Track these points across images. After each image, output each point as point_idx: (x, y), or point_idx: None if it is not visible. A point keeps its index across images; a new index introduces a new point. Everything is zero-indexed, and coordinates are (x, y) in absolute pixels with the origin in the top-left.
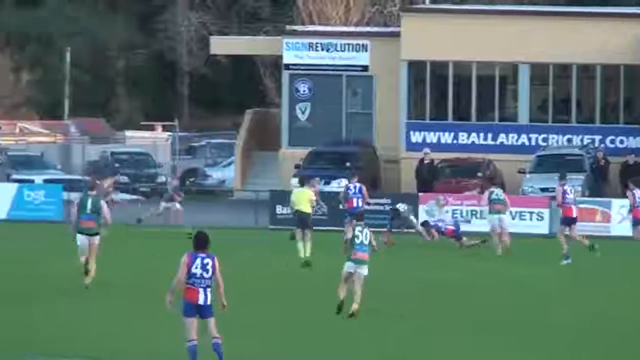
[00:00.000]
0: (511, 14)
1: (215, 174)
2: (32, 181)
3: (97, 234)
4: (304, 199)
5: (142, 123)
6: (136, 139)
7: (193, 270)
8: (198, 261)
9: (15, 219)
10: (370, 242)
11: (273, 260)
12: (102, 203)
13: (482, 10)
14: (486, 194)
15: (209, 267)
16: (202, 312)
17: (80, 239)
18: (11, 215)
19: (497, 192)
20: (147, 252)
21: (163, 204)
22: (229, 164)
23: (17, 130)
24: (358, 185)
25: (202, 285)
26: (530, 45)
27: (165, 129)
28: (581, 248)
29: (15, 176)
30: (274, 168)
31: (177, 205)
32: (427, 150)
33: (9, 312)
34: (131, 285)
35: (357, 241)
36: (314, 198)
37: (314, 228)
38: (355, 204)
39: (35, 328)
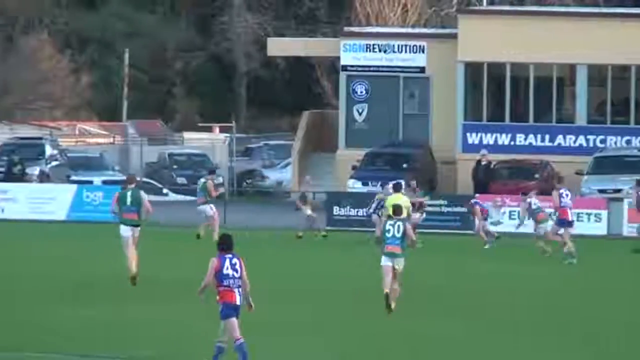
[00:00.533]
0: (569, 15)
1: (272, 176)
2: (90, 182)
3: (138, 225)
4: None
5: (199, 124)
6: (194, 141)
7: (225, 271)
8: (227, 262)
9: (75, 220)
10: (403, 235)
11: (331, 260)
12: (143, 195)
13: (539, 12)
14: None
15: (237, 267)
16: (238, 311)
17: (124, 229)
18: (70, 216)
19: (534, 201)
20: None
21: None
22: (286, 165)
23: (77, 132)
24: (569, 193)
25: (235, 286)
26: (589, 46)
27: (222, 130)
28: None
29: (74, 177)
30: (330, 169)
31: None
32: (484, 151)
33: (72, 312)
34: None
35: (389, 235)
36: (409, 205)
37: (370, 230)
38: (570, 217)
39: (99, 329)
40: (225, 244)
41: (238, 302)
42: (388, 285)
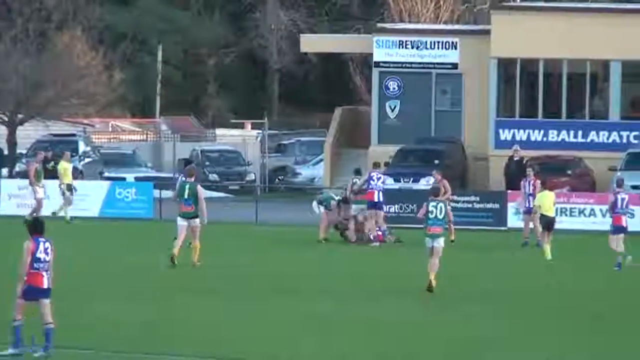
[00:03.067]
0: (602, 11)
1: (305, 172)
2: (123, 179)
3: (196, 216)
4: (549, 201)
5: (232, 121)
6: (226, 137)
7: (38, 255)
8: (41, 246)
9: (107, 217)
10: (445, 216)
11: (363, 258)
12: (199, 189)
13: (572, 8)
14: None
15: (49, 251)
16: (47, 294)
17: (180, 220)
18: (103, 212)
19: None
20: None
21: None
22: (319, 161)
23: (110, 129)
24: (382, 177)
25: (44, 269)
26: (622, 42)
27: (254, 126)
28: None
29: (107, 174)
30: (363, 165)
31: None
32: (516, 147)
33: (106, 309)
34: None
35: (432, 216)
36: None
37: (403, 226)
38: (376, 198)
39: (136, 326)
40: (38, 228)
41: (45, 286)
42: (431, 269)
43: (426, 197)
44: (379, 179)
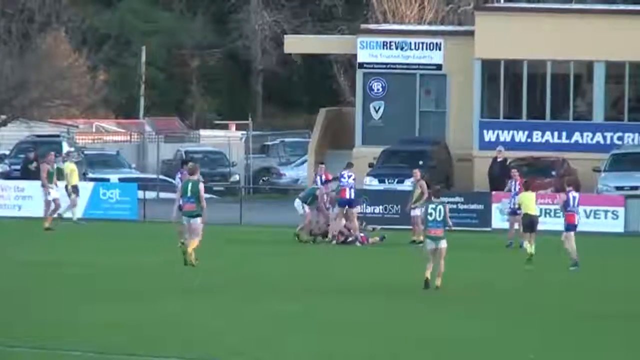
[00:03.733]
0: (586, 12)
1: (289, 173)
2: (107, 180)
3: (197, 215)
4: (530, 201)
5: (216, 122)
6: (210, 138)
7: None
8: None
9: (91, 218)
10: (444, 218)
11: (348, 257)
12: (201, 187)
13: (556, 9)
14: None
15: None
16: None
17: (184, 219)
18: (87, 213)
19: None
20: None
21: None
22: (303, 162)
23: (94, 130)
24: (353, 174)
25: None
26: (606, 43)
27: (239, 127)
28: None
29: (91, 175)
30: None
31: None
32: (500, 148)
33: (91, 309)
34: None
35: (430, 218)
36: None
37: (387, 227)
38: (347, 195)
39: (122, 327)
40: None
41: None
42: (429, 269)
43: (411, 199)
44: (349, 176)
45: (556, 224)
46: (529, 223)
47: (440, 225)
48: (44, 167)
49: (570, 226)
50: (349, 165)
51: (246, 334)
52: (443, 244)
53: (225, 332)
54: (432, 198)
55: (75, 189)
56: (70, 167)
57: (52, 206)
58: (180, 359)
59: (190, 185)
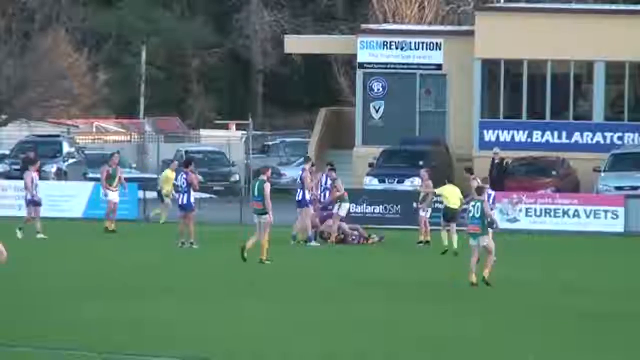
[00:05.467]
0: (586, 12)
1: (289, 173)
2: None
3: (264, 213)
4: (453, 194)
5: (216, 122)
6: (210, 138)
7: None
8: None
9: (91, 218)
10: (482, 214)
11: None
12: (265, 186)
13: (556, 9)
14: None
15: None
16: None
17: (254, 217)
18: (87, 213)
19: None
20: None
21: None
22: (303, 162)
23: (94, 129)
24: (332, 174)
25: None
26: (606, 43)
27: (239, 127)
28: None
29: (91, 175)
30: (347, 166)
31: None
32: (496, 149)
33: (93, 308)
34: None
35: (469, 215)
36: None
37: (388, 227)
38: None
39: (122, 327)
40: None
41: None
42: (473, 266)
43: (411, 198)
44: (327, 176)
45: (557, 224)
46: (451, 215)
47: (477, 222)
48: (104, 168)
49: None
50: (330, 165)
51: (246, 334)
52: (483, 240)
53: (225, 332)
54: (476, 195)
55: (168, 195)
56: (167, 175)
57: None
58: (182, 359)
59: (257, 184)
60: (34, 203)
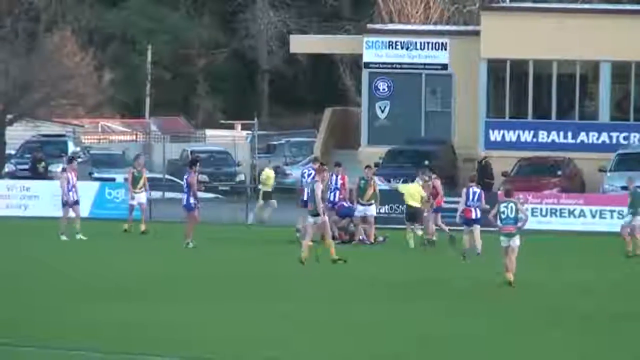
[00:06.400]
0: (592, 12)
1: (295, 173)
2: (113, 180)
3: (317, 214)
4: (414, 192)
5: (221, 121)
6: (216, 138)
7: None
8: None
9: (97, 217)
10: (516, 214)
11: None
12: (316, 187)
13: (562, 9)
14: None
15: None
16: None
17: (309, 219)
18: (93, 213)
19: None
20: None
21: None
22: (308, 162)
23: (99, 129)
24: (313, 172)
25: None
26: (612, 43)
27: (244, 127)
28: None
29: (97, 174)
30: (353, 166)
31: None
32: (481, 150)
33: (99, 309)
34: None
35: (503, 216)
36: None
37: (392, 227)
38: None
39: (134, 327)
40: None
41: None
42: (509, 266)
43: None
44: (309, 175)
45: (563, 224)
46: (412, 214)
47: (512, 222)
48: (129, 170)
49: (467, 220)
50: (316, 161)
51: (250, 335)
52: (516, 241)
53: (229, 333)
54: (506, 196)
55: (268, 195)
56: (267, 174)
57: (138, 209)
58: (185, 359)
59: (310, 185)
60: (70, 203)
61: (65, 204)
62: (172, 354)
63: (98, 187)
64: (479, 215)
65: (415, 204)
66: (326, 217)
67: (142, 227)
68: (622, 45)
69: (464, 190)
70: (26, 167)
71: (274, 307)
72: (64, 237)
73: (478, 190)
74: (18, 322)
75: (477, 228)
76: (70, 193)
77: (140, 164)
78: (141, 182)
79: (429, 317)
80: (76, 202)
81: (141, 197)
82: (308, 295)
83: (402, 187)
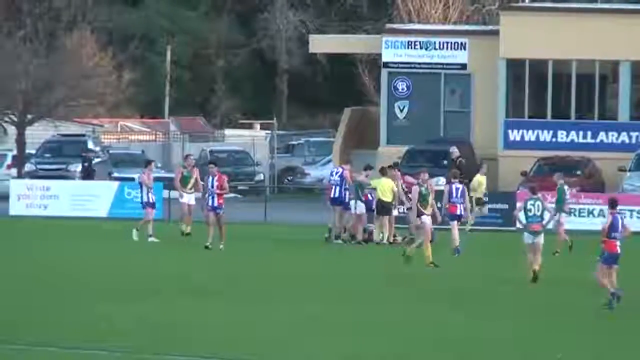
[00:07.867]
0: (611, 11)
1: (314, 173)
2: (132, 179)
3: (420, 214)
4: (386, 187)
5: (240, 121)
6: (235, 137)
7: None
8: None
9: (116, 217)
10: (543, 212)
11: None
12: (413, 189)
13: (581, 9)
14: None
15: None
16: None
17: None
18: (112, 213)
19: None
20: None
21: None
22: (327, 162)
23: (119, 129)
24: (340, 170)
25: None
26: (632, 42)
27: (263, 127)
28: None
29: (116, 174)
30: (372, 166)
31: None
32: (453, 149)
33: (119, 309)
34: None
35: (530, 214)
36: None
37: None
38: (332, 194)
39: (155, 327)
40: None
41: None
42: (535, 262)
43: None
44: (337, 173)
45: (582, 223)
46: (381, 208)
47: (539, 219)
48: (178, 170)
49: (452, 216)
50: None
51: (263, 335)
52: (541, 238)
53: (242, 333)
54: (532, 194)
55: (479, 201)
56: (479, 180)
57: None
58: (197, 358)
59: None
60: (146, 205)
61: (146, 206)
62: (190, 353)
63: (117, 186)
64: (462, 212)
65: (386, 199)
66: (417, 220)
67: (187, 229)
68: None
69: (447, 187)
70: (47, 167)
71: (288, 307)
72: (151, 239)
73: (460, 187)
74: (17, 322)
75: (455, 225)
76: (149, 195)
77: (190, 164)
78: (192, 181)
79: (445, 319)
80: (152, 205)
81: (190, 198)
82: (322, 295)
83: (375, 182)
